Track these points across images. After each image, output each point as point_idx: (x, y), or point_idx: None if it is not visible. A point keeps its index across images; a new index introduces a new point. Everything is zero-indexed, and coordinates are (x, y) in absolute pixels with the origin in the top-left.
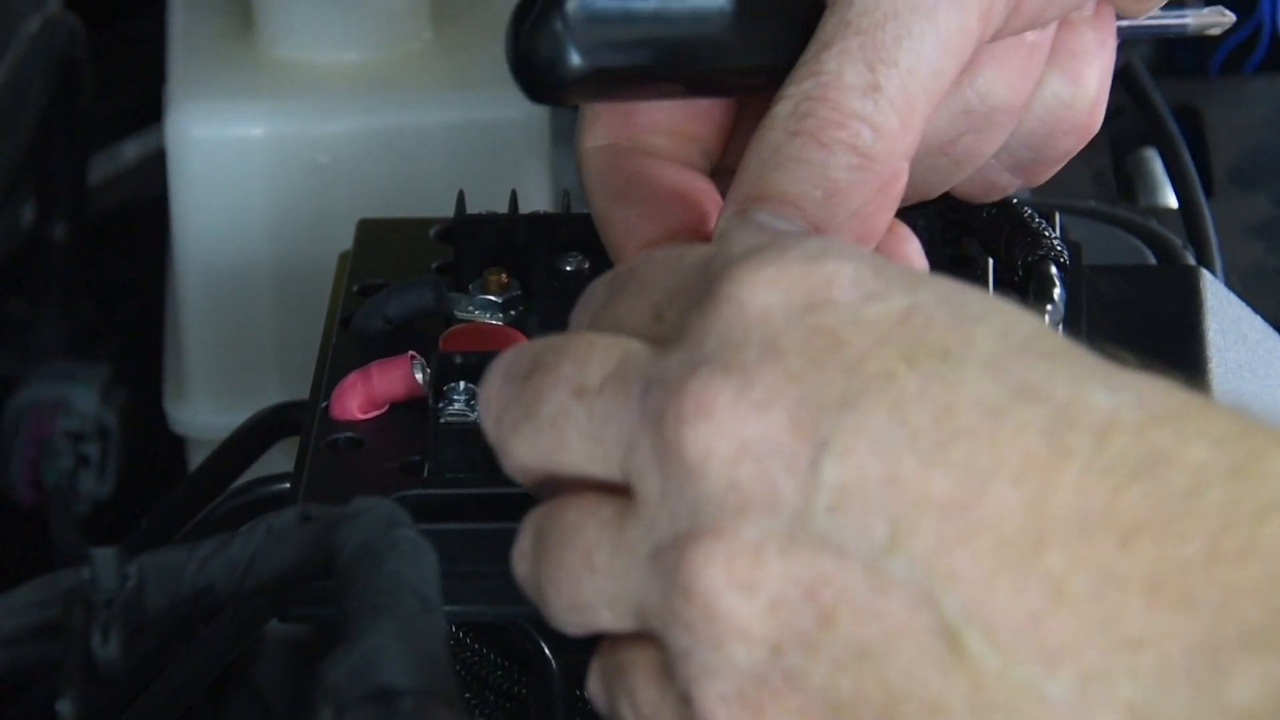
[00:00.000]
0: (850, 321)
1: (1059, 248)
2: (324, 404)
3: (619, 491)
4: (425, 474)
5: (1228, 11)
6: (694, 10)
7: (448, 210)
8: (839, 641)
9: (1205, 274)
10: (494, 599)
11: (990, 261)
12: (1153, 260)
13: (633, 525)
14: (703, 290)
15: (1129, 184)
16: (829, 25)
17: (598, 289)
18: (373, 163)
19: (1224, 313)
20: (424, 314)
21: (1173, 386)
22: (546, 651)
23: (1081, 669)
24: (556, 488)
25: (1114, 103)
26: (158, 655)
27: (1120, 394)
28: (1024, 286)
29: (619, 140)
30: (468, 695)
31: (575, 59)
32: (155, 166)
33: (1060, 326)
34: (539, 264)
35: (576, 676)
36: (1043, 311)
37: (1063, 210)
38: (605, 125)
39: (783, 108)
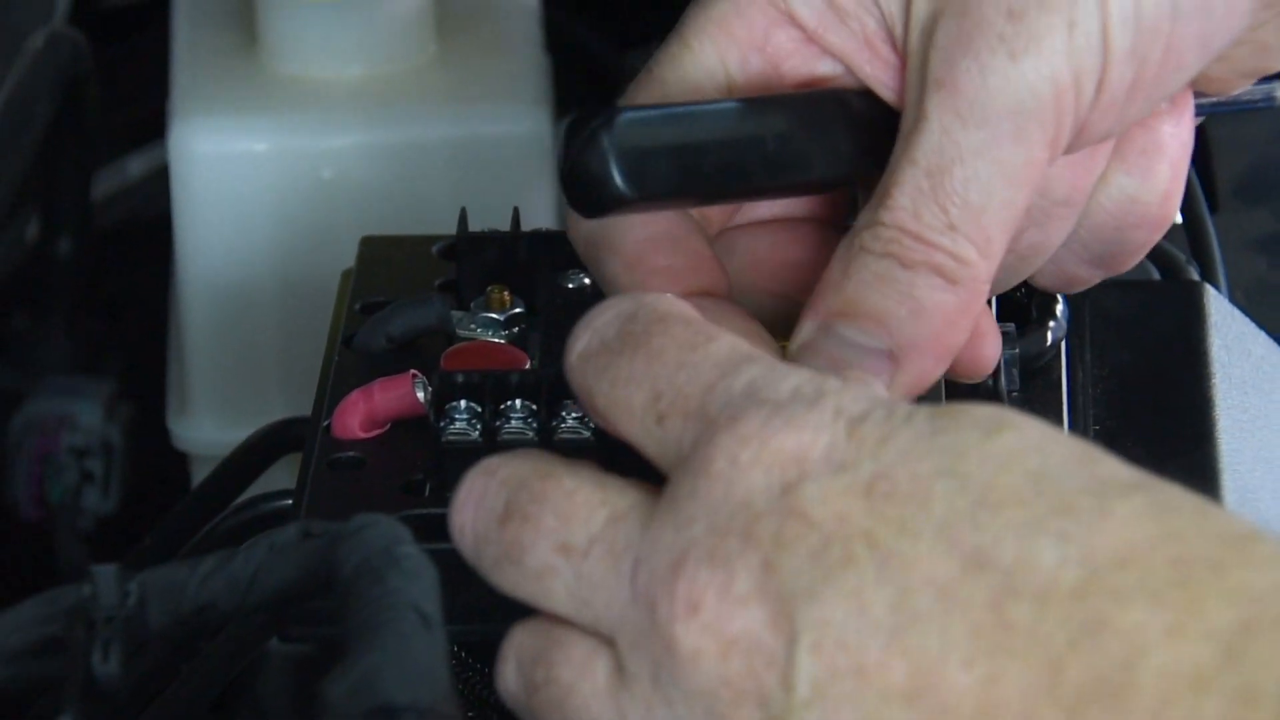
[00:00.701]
0: (819, 499)
1: None
2: (326, 422)
3: (608, 643)
4: (427, 493)
5: None
6: (744, 135)
7: (452, 225)
8: None
9: (1209, 289)
10: (494, 618)
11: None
12: (1156, 275)
13: (630, 702)
14: (701, 436)
15: None
16: (899, 165)
17: (609, 318)
18: (376, 178)
19: (1228, 328)
20: (426, 332)
21: (1128, 516)
22: None
23: None
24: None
25: None
26: (159, 672)
27: (1067, 545)
28: (1027, 303)
29: None
30: (470, 714)
31: (622, 183)
32: (160, 182)
33: (1063, 343)
34: (541, 282)
35: None
36: (1046, 329)
37: None
38: None
39: (866, 232)
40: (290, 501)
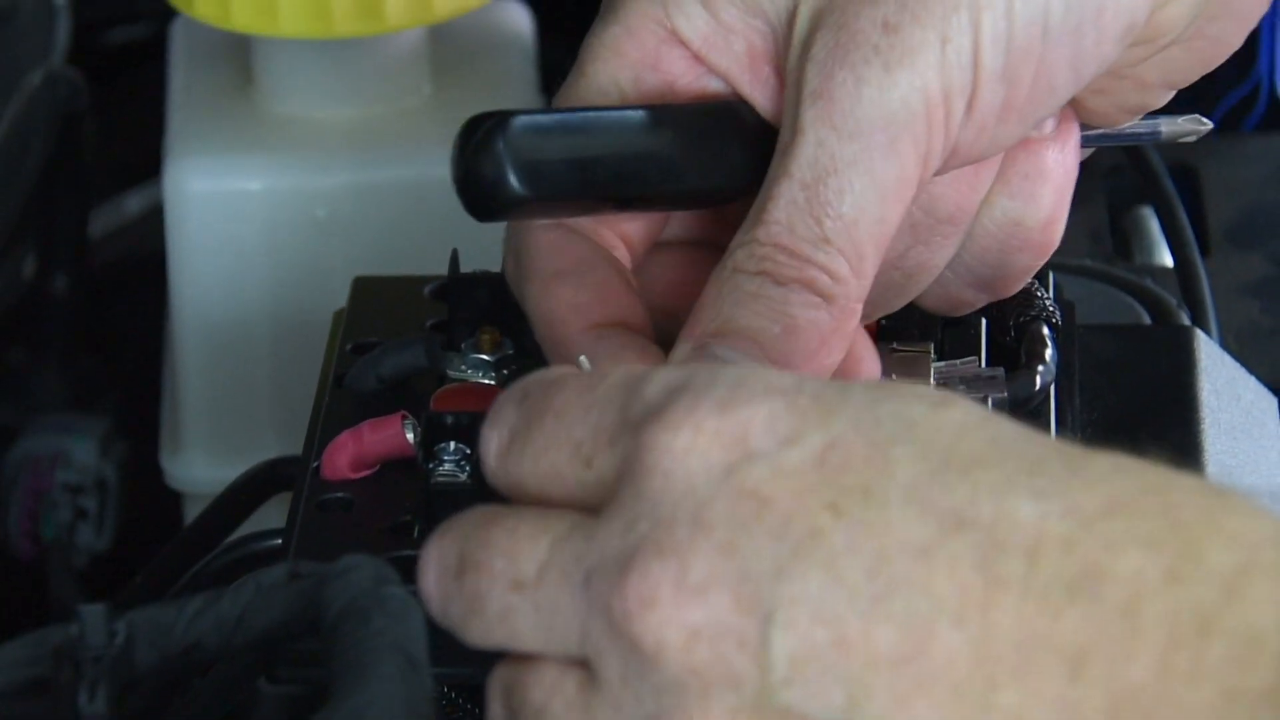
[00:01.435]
0: (770, 476)
1: (1051, 308)
2: (315, 463)
3: (580, 664)
4: (415, 534)
5: (1205, 119)
6: (637, 140)
7: (444, 266)
8: None
9: (1199, 334)
10: (483, 660)
11: (983, 322)
12: (1147, 319)
13: (599, 705)
14: (628, 446)
15: (1125, 242)
16: (775, 177)
17: (508, 410)
18: (370, 218)
19: (1218, 373)
20: (416, 373)
21: (1098, 469)
22: None
23: None
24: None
25: (1111, 161)
26: (146, 713)
27: (1046, 501)
28: (1016, 347)
29: (569, 223)
30: None
31: (516, 185)
32: (156, 220)
33: (1052, 387)
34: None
35: None
36: (1034, 373)
37: (1057, 269)
38: None
39: (740, 251)
40: (279, 541)
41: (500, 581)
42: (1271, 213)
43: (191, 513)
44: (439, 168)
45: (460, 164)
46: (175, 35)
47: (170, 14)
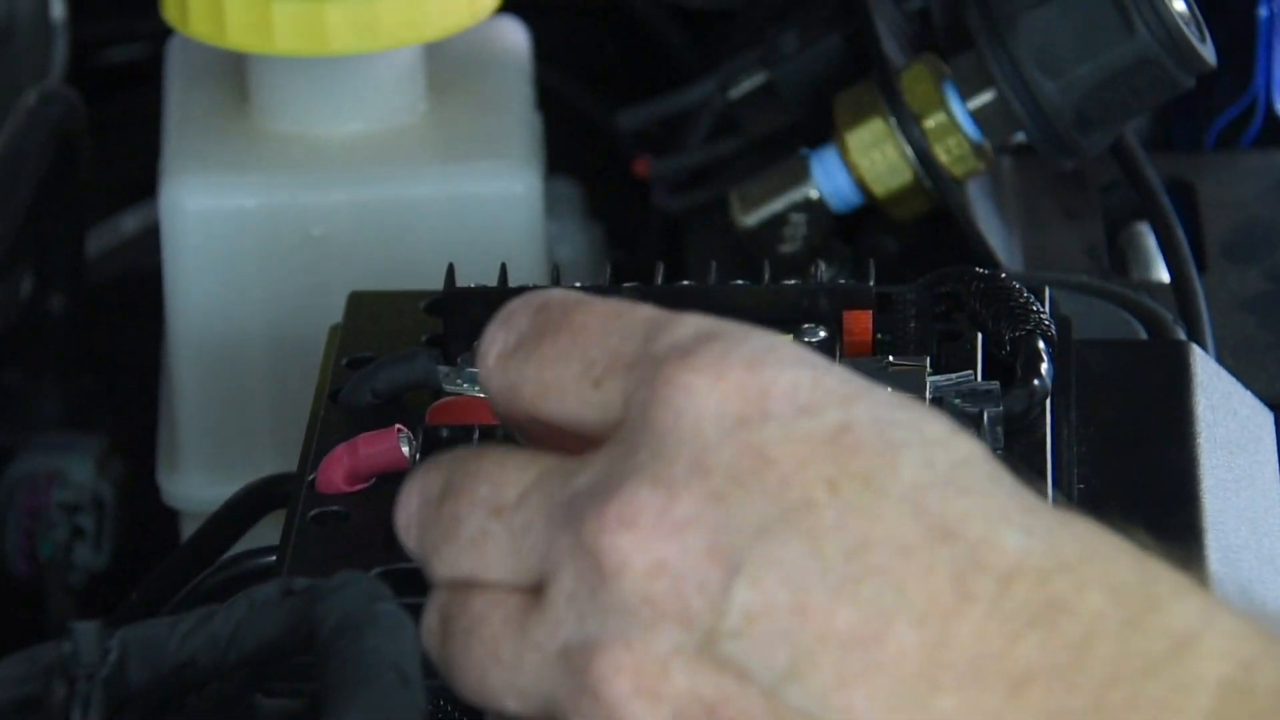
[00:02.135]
0: (780, 439)
1: (1046, 323)
2: (311, 477)
3: (531, 591)
4: None
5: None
6: None
7: (439, 282)
8: None
9: (1195, 349)
10: None
11: (979, 336)
12: (1144, 334)
13: (538, 622)
14: (645, 376)
15: (1122, 258)
16: None
17: (521, 316)
18: (367, 235)
19: (1214, 388)
20: (412, 387)
21: (1088, 528)
22: None
23: None
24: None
25: (1108, 176)
26: None
27: (1032, 537)
28: (1012, 361)
29: None
30: None
31: None
32: (153, 239)
33: (1048, 402)
34: None
35: None
36: (1030, 387)
37: (1053, 284)
38: None
39: None
40: (275, 558)
41: (481, 506)
42: (1268, 228)
43: (189, 531)
44: (434, 185)
45: None
46: (171, 54)
47: (167, 33)
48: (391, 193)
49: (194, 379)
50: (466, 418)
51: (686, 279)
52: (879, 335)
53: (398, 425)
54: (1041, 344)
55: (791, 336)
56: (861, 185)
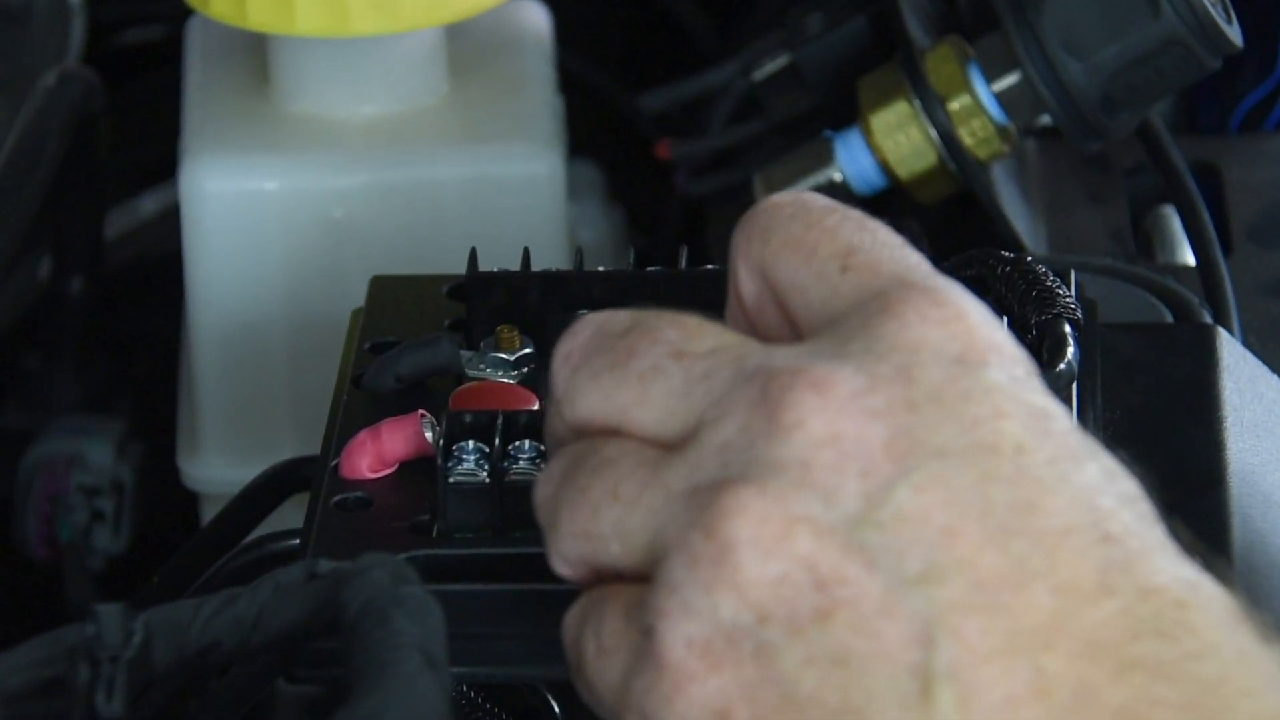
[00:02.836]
0: (987, 389)
1: (1073, 306)
2: (334, 462)
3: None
4: (434, 534)
5: None
6: None
7: (462, 265)
8: (824, 640)
9: (1222, 332)
10: (502, 660)
11: (1004, 320)
12: (1169, 318)
13: (676, 465)
14: (889, 287)
15: (1147, 241)
16: None
17: (809, 199)
18: (388, 217)
19: (1240, 371)
20: (435, 372)
21: (1221, 586)
22: (558, 711)
23: None
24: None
25: (1133, 160)
26: (163, 713)
27: (1178, 569)
28: (1038, 346)
29: None
30: None
31: None
32: (172, 221)
33: (1073, 386)
34: (551, 322)
35: None
36: (1056, 371)
37: (1079, 268)
38: None
39: None
40: (298, 541)
41: (664, 346)
42: None
43: (209, 514)
44: (456, 167)
45: None
46: (191, 35)
47: (186, 14)
48: (413, 175)
49: (214, 362)
50: (490, 403)
51: (709, 263)
52: None
53: (421, 410)
54: (1067, 328)
55: None
56: (885, 168)
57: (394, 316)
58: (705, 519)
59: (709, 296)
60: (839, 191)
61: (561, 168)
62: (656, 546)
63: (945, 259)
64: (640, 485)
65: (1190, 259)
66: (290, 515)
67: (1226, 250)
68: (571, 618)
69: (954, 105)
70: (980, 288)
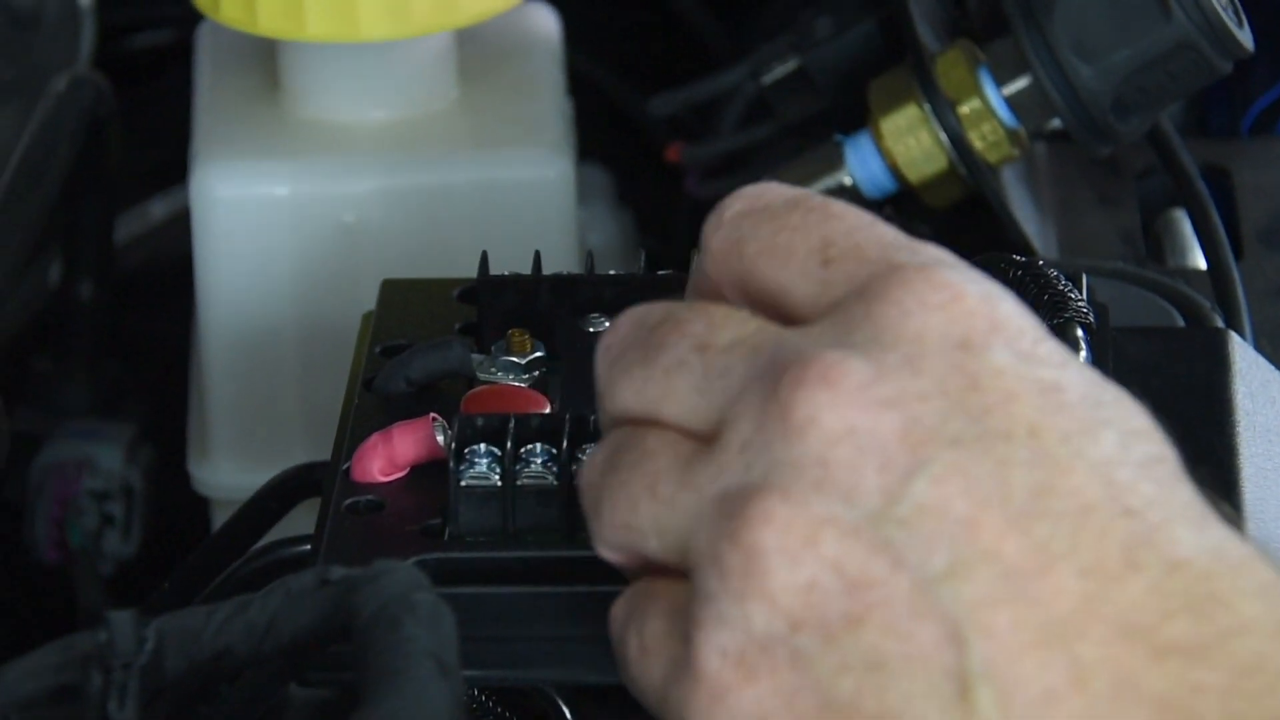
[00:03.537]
0: (994, 372)
1: (1084, 309)
2: (345, 466)
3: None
4: (445, 537)
5: None
6: None
7: (473, 269)
8: (858, 645)
9: (1234, 336)
10: (514, 664)
11: None
12: (1181, 322)
13: (705, 464)
14: (880, 272)
15: (1158, 245)
16: None
17: (774, 199)
18: (398, 222)
19: (1253, 375)
20: (446, 375)
21: (1252, 548)
22: (569, 715)
23: None
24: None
25: (1143, 163)
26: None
27: (1204, 537)
28: None
29: None
30: None
31: None
32: (182, 225)
33: None
34: (562, 326)
35: None
36: None
37: (1090, 271)
38: None
39: None
40: (309, 546)
41: (689, 340)
42: None
43: (219, 519)
44: (466, 171)
45: None
46: (201, 39)
47: (195, 18)
48: (423, 179)
49: (225, 366)
50: (501, 406)
51: None
52: None
53: (432, 414)
54: (1079, 331)
55: None
56: (896, 171)
57: (405, 320)
58: (732, 528)
59: None
60: (849, 195)
61: (571, 171)
62: (692, 550)
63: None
64: (676, 485)
65: (1201, 262)
66: (301, 520)
67: (1237, 254)
68: (619, 608)
69: (964, 109)
70: None
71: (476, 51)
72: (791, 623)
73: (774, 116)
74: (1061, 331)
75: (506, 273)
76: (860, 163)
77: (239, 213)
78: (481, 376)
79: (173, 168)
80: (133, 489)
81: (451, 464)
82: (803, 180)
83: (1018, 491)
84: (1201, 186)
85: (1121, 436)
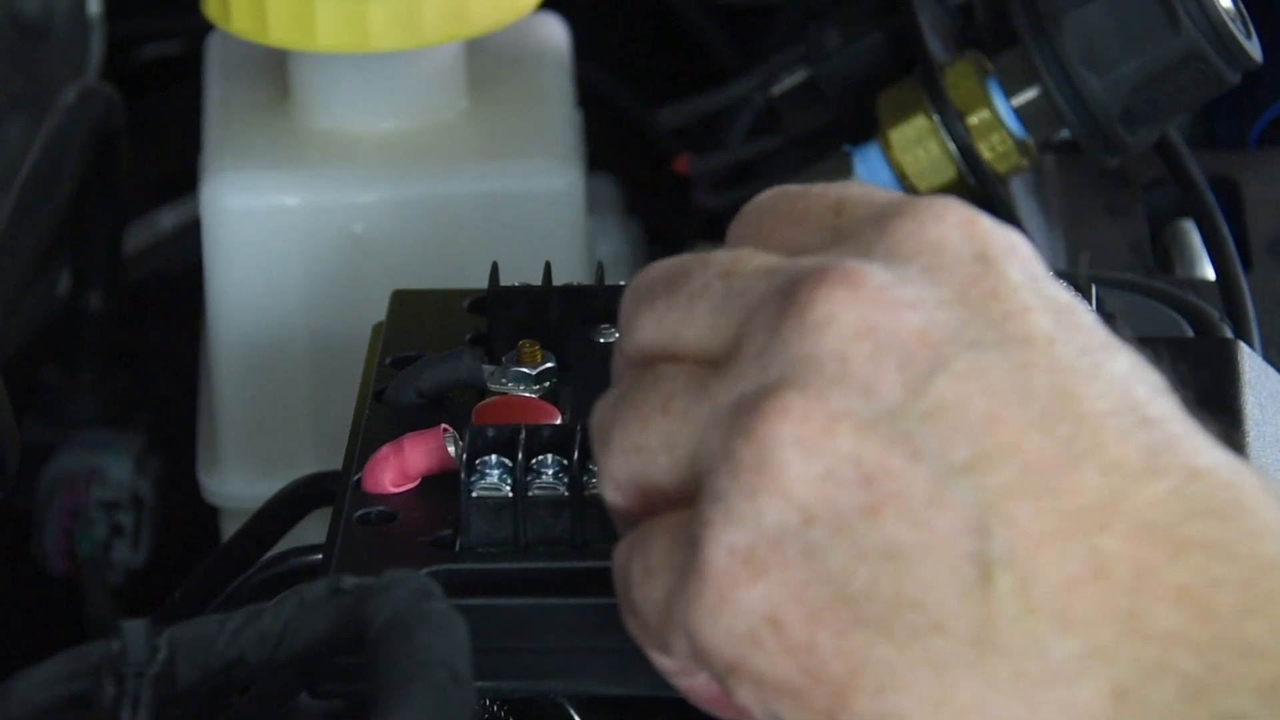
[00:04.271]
0: (1011, 285)
1: None
2: (356, 477)
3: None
4: (457, 548)
5: None
6: None
7: (483, 280)
8: (874, 535)
9: (1243, 346)
10: (526, 675)
11: None
12: (1190, 332)
13: (720, 378)
14: (894, 198)
15: (1166, 256)
16: None
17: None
18: (408, 232)
19: (1262, 385)
20: (457, 386)
21: (1262, 472)
22: None
23: (1090, 642)
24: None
25: (1152, 174)
26: None
27: (1220, 453)
28: None
29: None
30: None
31: None
32: (192, 236)
33: None
34: (573, 336)
35: None
36: None
37: (1099, 282)
38: None
39: None
40: (320, 556)
41: (714, 268)
42: None
43: (229, 529)
44: (476, 182)
45: None
46: (211, 50)
47: (205, 29)
48: (433, 190)
49: (234, 377)
50: (512, 417)
51: None
52: None
53: (444, 425)
54: None
55: None
56: (905, 182)
57: (415, 331)
58: (746, 423)
59: None
60: None
61: (581, 182)
62: (701, 456)
63: None
64: (691, 398)
65: (1209, 273)
66: (312, 530)
67: (1245, 265)
68: (621, 549)
69: (973, 120)
70: None
71: (486, 62)
72: (805, 516)
73: (783, 128)
74: None
75: (517, 283)
76: (869, 173)
77: (249, 223)
78: (492, 387)
79: (182, 178)
80: (142, 499)
81: (463, 475)
82: None
83: (1039, 393)
84: (1210, 197)
85: (1132, 362)
